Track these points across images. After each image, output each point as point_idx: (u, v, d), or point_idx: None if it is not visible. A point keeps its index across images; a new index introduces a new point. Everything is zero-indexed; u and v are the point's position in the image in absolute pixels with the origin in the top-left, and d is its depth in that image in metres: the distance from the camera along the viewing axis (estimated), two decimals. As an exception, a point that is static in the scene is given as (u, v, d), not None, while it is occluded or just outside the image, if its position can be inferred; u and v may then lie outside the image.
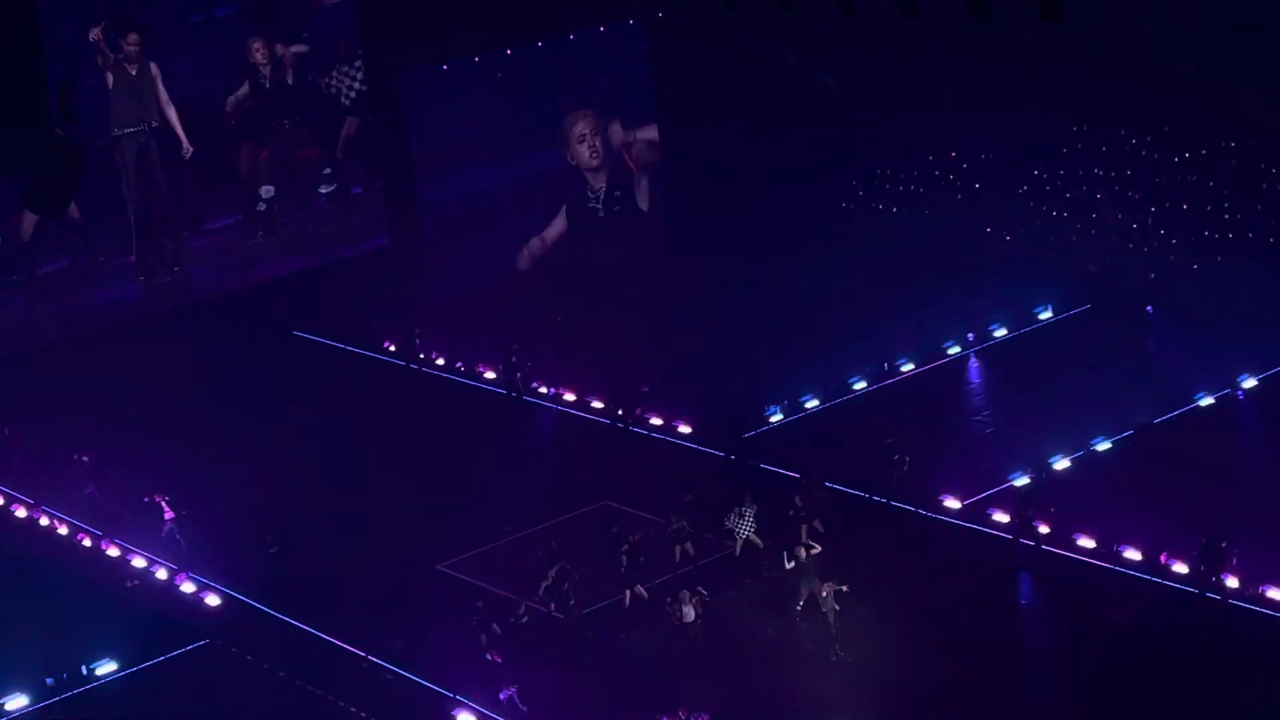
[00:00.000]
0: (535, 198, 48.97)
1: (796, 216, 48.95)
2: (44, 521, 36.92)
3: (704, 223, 49.02)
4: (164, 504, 34.94)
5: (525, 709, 28.45)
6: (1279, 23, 41.94)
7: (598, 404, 39.56)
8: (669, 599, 30.02)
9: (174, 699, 30.60)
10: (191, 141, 47.30)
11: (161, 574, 34.18)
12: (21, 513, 37.39)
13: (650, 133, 49.78)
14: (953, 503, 33.72)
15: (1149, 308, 41.82)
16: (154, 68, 46.44)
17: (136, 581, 34.25)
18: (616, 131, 49.38)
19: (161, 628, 32.40)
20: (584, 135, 48.52)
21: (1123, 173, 46.56)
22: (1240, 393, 37.44)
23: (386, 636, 30.75)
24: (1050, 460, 34.77)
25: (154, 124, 46.48)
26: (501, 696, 28.50)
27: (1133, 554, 31.26)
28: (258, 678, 30.91)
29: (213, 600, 33.19)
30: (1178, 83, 44.09)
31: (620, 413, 38.72)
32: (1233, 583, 29.97)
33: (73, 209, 44.28)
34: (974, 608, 30.57)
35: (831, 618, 29.42)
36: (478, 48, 46.85)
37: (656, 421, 38.52)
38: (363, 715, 29.41)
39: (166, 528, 34.88)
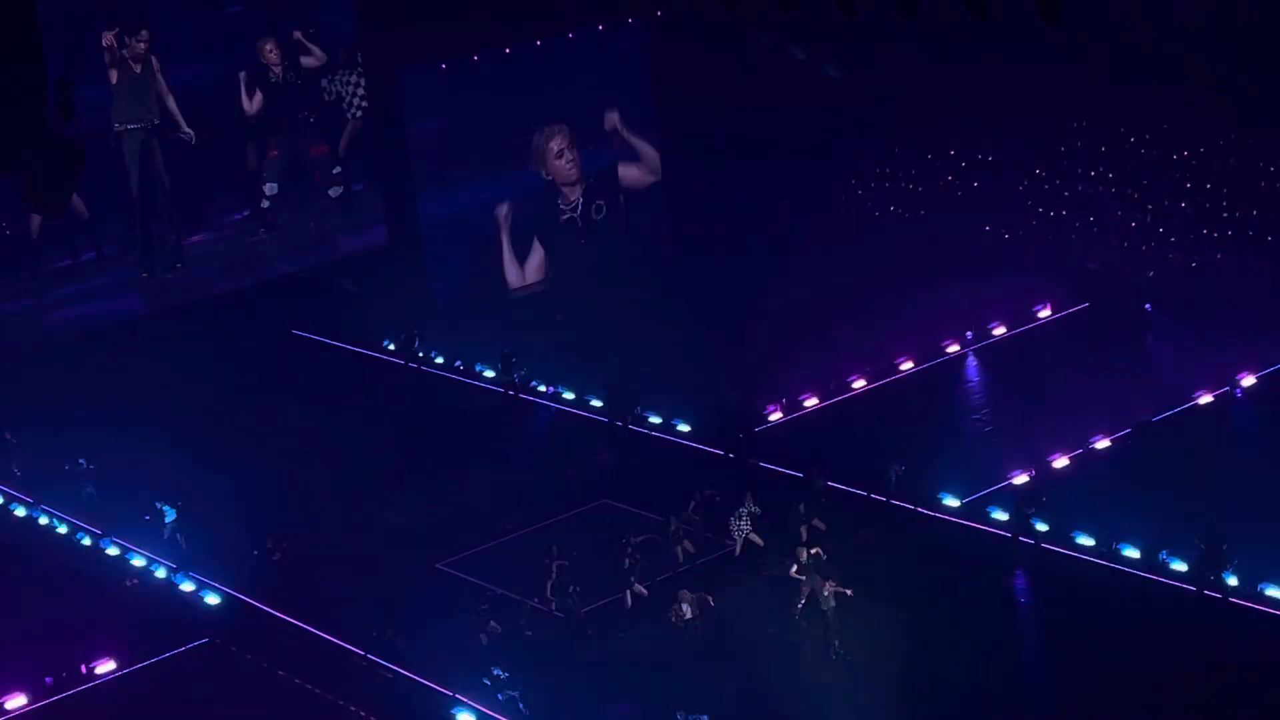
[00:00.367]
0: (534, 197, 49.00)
1: (794, 215, 48.92)
2: (43, 520, 36.93)
3: (702, 222, 48.99)
4: (163, 508, 35.02)
5: (526, 710, 28.49)
6: (1277, 21, 41.96)
7: (596, 402, 39.63)
8: (673, 605, 30.03)
9: (174, 698, 30.60)
10: (198, 139, 47.25)
11: (161, 573, 34.18)
12: (21, 512, 37.41)
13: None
14: (952, 501, 33.73)
15: (1147, 305, 41.85)
16: (155, 62, 46.44)
17: (135, 580, 34.24)
18: (613, 118, 49.28)
19: (161, 626, 32.39)
20: (562, 150, 48.31)
21: (1122, 171, 46.59)
22: (1239, 391, 37.43)
23: (388, 635, 30.75)
24: (1049, 458, 34.82)
25: (156, 121, 46.47)
26: (500, 698, 28.54)
27: (1131, 552, 31.29)
28: (257, 676, 30.92)
29: (212, 599, 33.19)
30: (1176, 81, 44.13)
31: (619, 411, 38.78)
32: (1231, 581, 29.99)
33: (80, 205, 44.33)
34: (973, 605, 30.56)
35: (831, 616, 29.44)
36: (477, 47, 46.82)
37: (656, 420, 38.54)
38: (362, 714, 29.41)
39: (167, 530, 34.90)
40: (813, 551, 30.74)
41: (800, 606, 30.12)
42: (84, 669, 31.13)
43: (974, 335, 41.39)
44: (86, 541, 35.76)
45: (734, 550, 32.66)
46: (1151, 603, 30.28)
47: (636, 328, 43.67)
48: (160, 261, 47.31)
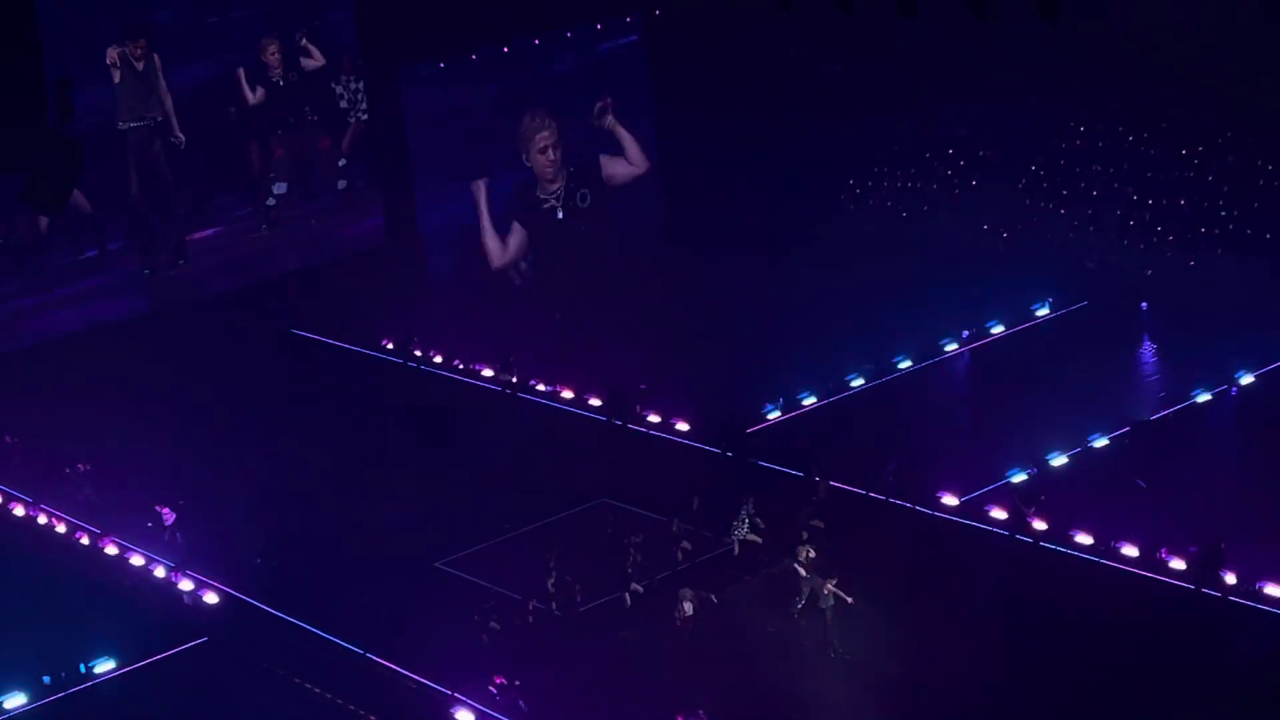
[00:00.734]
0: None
1: (793, 213, 48.93)
2: (42, 520, 36.92)
3: (701, 221, 49.01)
4: (164, 511, 35.00)
5: (526, 708, 28.48)
6: (1276, 19, 41.99)
7: (595, 401, 39.62)
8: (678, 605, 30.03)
9: (172, 697, 30.60)
10: (200, 137, 47.24)
11: (160, 572, 34.18)
12: (20, 511, 37.39)
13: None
14: (950, 499, 33.74)
15: (1143, 304, 41.87)
16: (157, 59, 46.42)
17: (260, 560, 34.25)
18: (606, 103, 49.24)
19: (160, 625, 32.39)
20: (546, 147, 48.28)
21: (1120, 169, 46.61)
22: (1234, 389, 37.41)
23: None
24: (1047, 457, 34.84)
25: (158, 119, 46.46)
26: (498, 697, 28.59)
27: (1130, 550, 31.30)
28: (256, 675, 30.93)
29: (211, 598, 33.18)
30: (1175, 79, 44.18)
31: (618, 410, 38.77)
32: (1230, 579, 30.01)
33: (83, 201, 44.32)
34: (971, 604, 30.56)
35: (830, 615, 29.45)
36: (476, 45, 46.84)
37: (654, 419, 38.54)
38: (361, 713, 29.42)
39: (167, 530, 34.87)
40: (810, 554, 30.72)
41: (800, 606, 30.12)
42: (82, 668, 31.13)
43: (969, 335, 41.36)
44: (85, 541, 35.76)
45: (733, 550, 32.63)
46: (1150, 602, 30.29)
47: (635, 326, 43.66)
48: (163, 258, 47.30)
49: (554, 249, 48.68)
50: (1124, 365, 39.21)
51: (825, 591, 29.46)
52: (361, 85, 48.79)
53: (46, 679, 30.87)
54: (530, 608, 30.76)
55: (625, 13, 49.21)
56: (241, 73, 48.39)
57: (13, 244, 45.75)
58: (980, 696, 28.13)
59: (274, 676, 30.74)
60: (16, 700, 30.47)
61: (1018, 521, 32.44)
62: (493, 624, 30.34)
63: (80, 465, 37.52)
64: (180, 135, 46.87)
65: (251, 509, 36.16)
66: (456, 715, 28.76)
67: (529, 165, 48.41)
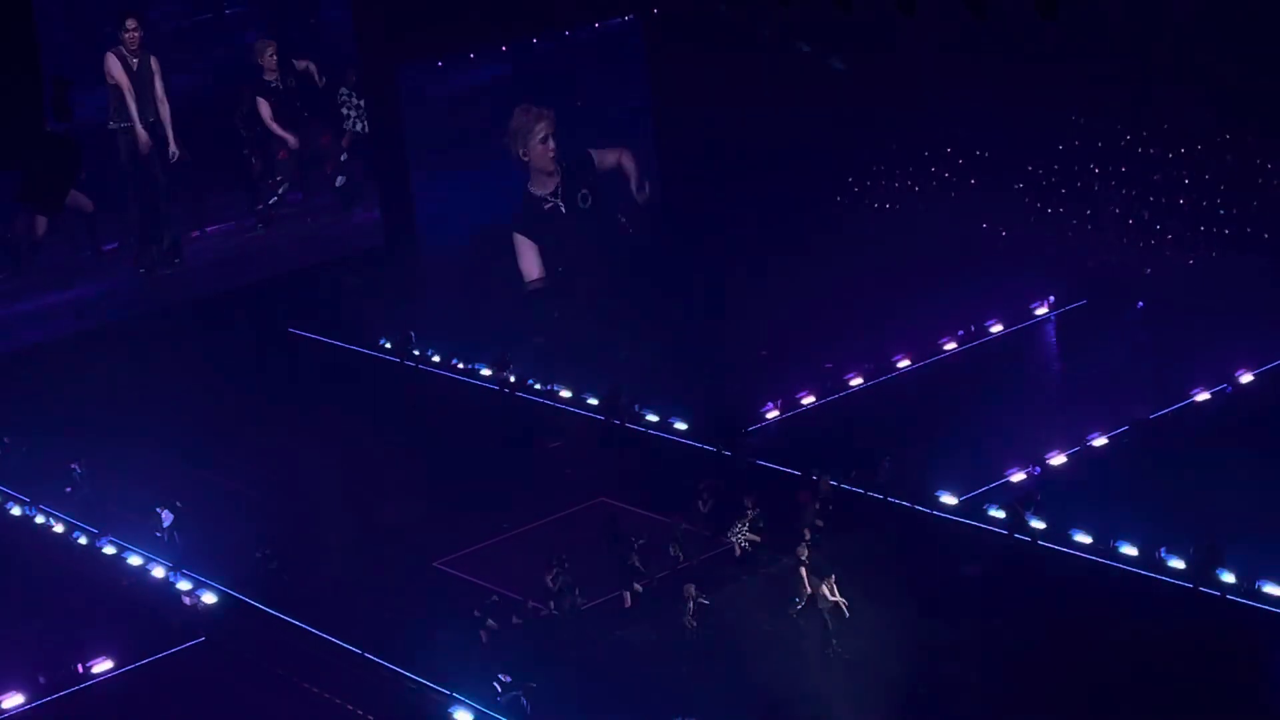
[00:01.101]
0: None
1: (791, 212, 48.91)
2: (39, 520, 36.88)
3: (699, 219, 48.98)
4: (162, 513, 34.99)
5: (527, 706, 28.49)
6: (1275, 17, 41.95)
7: (593, 400, 39.61)
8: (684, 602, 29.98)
9: (171, 697, 30.57)
10: (197, 140, 47.18)
11: (158, 572, 34.14)
12: (16, 511, 37.35)
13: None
14: (949, 498, 33.72)
15: (1139, 303, 41.87)
16: (154, 62, 46.31)
17: (129, 581, 34.25)
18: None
19: (158, 625, 32.35)
20: (546, 136, 47.96)
21: (1119, 168, 46.59)
22: (1229, 387, 37.34)
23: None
24: (1046, 456, 34.84)
25: (151, 119, 46.37)
26: (498, 700, 28.56)
27: (1128, 549, 31.29)
28: (255, 675, 30.90)
29: (209, 598, 33.15)
30: (1174, 78, 44.13)
31: (615, 409, 38.76)
32: (1228, 578, 30.00)
33: (85, 201, 44.27)
34: (970, 603, 30.55)
35: (829, 615, 29.42)
36: (474, 45, 46.80)
37: (652, 418, 38.52)
38: (360, 713, 29.39)
39: (166, 530, 34.85)
40: (810, 552, 30.70)
41: (799, 606, 30.08)
42: (80, 668, 31.09)
43: (965, 334, 41.36)
44: (83, 541, 35.73)
45: (734, 550, 32.61)
46: (1149, 601, 30.27)
47: (632, 324, 43.63)
48: (158, 258, 47.23)
49: (557, 249, 48.61)
50: (1123, 364, 39.15)
51: (824, 591, 29.42)
52: (362, 102, 48.80)
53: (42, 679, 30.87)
54: (528, 607, 30.73)
55: (623, 11, 49.16)
56: (245, 90, 48.45)
57: (11, 244, 45.72)
58: (979, 696, 28.10)
59: (272, 676, 30.71)
60: (15, 700, 30.44)
61: (1016, 521, 32.40)
62: (490, 623, 30.28)
63: (73, 465, 37.46)
64: (175, 150, 46.68)
65: (250, 508, 36.10)
66: (455, 715, 28.74)
67: (525, 159, 48.22)
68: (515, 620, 30.59)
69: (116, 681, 31.09)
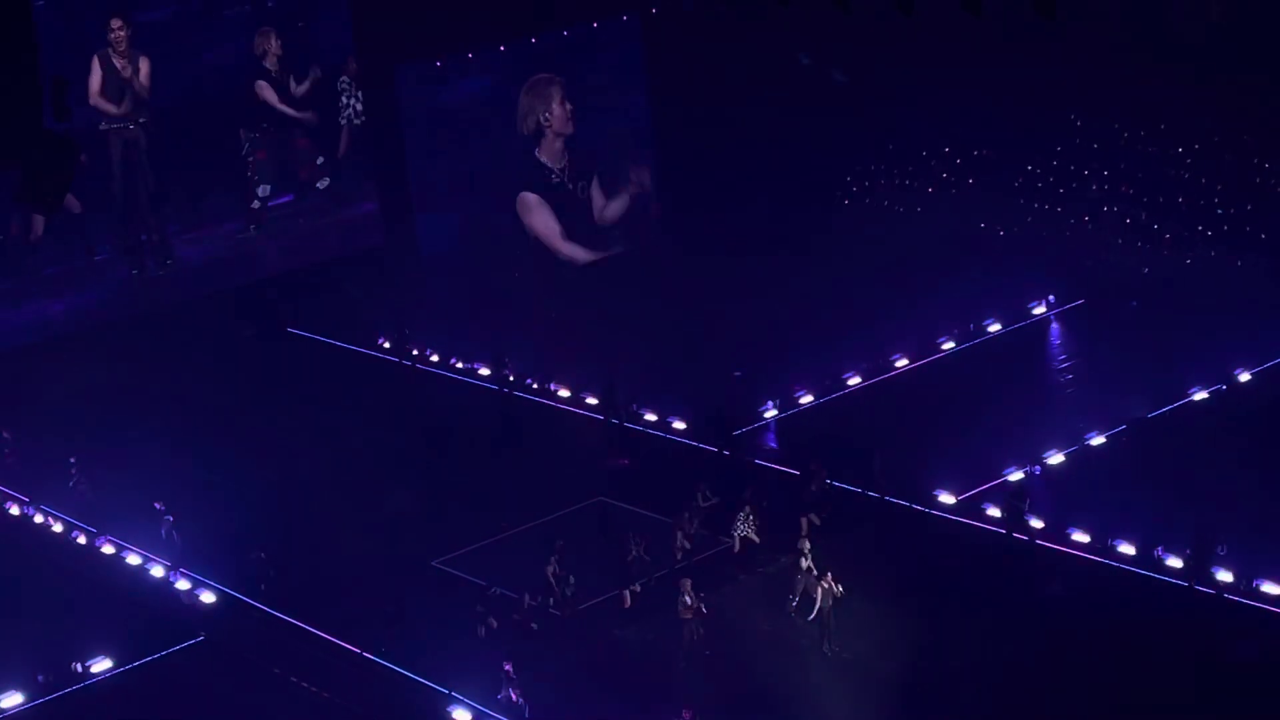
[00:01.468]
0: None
1: (789, 211, 48.87)
2: (38, 519, 36.89)
3: (697, 218, 48.97)
4: (161, 509, 35.01)
5: (525, 704, 28.49)
6: (1273, 16, 41.97)
7: (592, 400, 39.63)
8: (684, 600, 29.96)
9: (169, 696, 30.58)
10: (193, 137, 47.17)
11: (157, 571, 34.15)
12: (15, 510, 37.36)
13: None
14: (947, 498, 33.74)
15: (1133, 302, 41.93)
16: (145, 63, 46.24)
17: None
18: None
19: (156, 624, 32.36)
20: (563, 98, 47.88)
21: (1117, 167, 46.60)
22: (1222, 387, 37.35)
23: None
24: (1044, 455, 34.87)
25: (142, 120, 46.32)
26: (499, 697, 28.56)
27: (1126, 548, 31.31)
28: (253, 674, 30.91)
29: (208, 597, 33.16)
30: (1172, 77, 44.10)
31: (613, 408, 38.78)
32: (1225, 577, 30.03)
33: (74, 202, 44.29)
34: (968, 602, 30.56)
35: (826, 614, 29.43)
36: (472, 43, 46.80)
37: (651, 417, 38.54)
38: (358, 712, 29.39)
39: (164, 527, 34.86)
40: (808, 548, 30.71)
41: (795, 604, 30.09)
42: (79, 668, 31.10)
43: (961, 334, 41.38)
44: (81, 540, 35.74)
45: (732, 547, 32.64)
46: (1147, 599, 30.29)
47: (630, 323, 43.65)
48: (150, 259, 47.19)
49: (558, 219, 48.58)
50: (1121, 363, 39.17)
51: (823, 588, 29.43)
52: (360, 94, 48.81)
53: (40, 678, 30.87)
54: (525, 603, 30.73)
55: (622, 11, 49.15)
56: (260, 84, 48.49)
57: (7, 244, 45.77)
58: (977, 695, 28.13)
59: (270, 675, 30.72)
60: (14, 700, 30.45)
61: (1014, 520, 32.42)
62: (490, 620, 30.29)
63: (71, 460, 37.47)
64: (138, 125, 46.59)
65: (248, 508, 36.09)
66: (453, 714, 28.76)
67: (546, 124, 47.90)
68: (516, 617, 30.59)
69: (115, 681, 31.09)
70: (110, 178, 46.36)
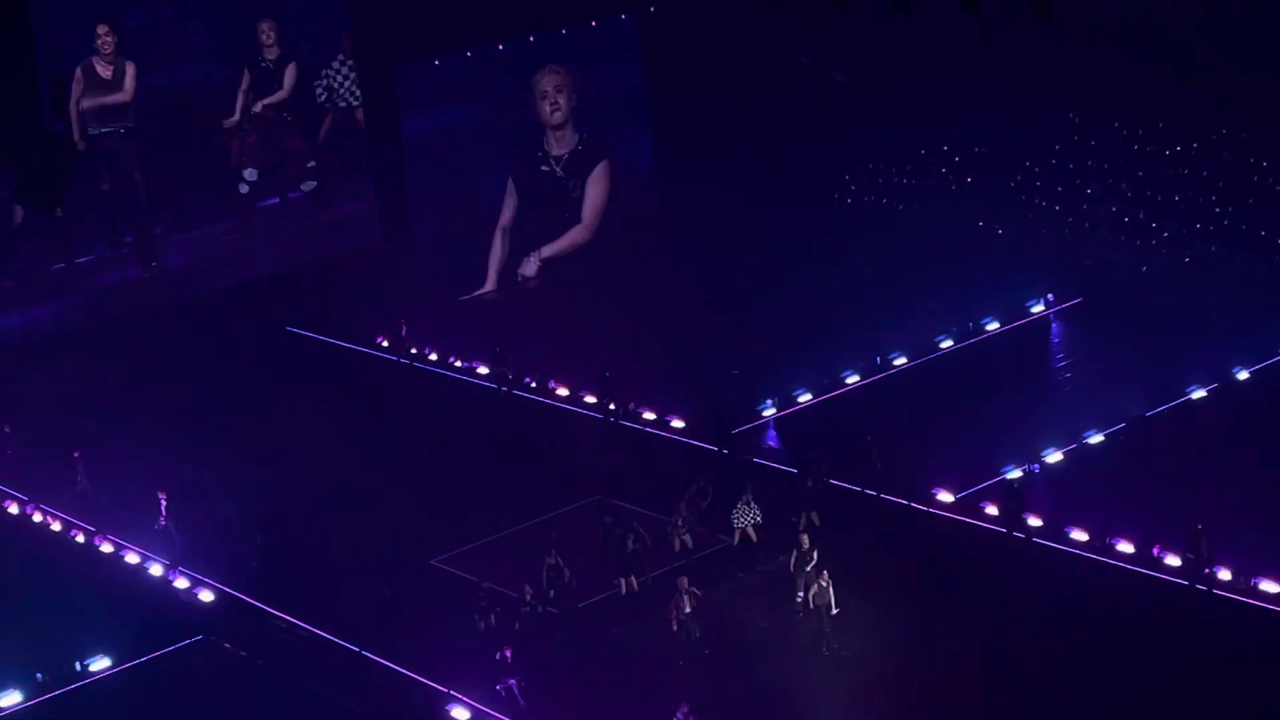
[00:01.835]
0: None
1: (788, 209, 48.91)
2: (37, 518, 36.90)
3: (696, 216, 48.99)
4: (161, 499, 35.00)
5: (523, 702, 28.50)
6: (1270, 15, 41.99)
7: (590, 398, 39.64)
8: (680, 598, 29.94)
9: (168, 694, 30.60)
10: (177, 137, 47.09)
11: (156, 570, 34.17)
12: (14, 508, 37.38)
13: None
14: (945, 496, 33.77)
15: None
16: (130, 67, 46.10)
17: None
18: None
19: (156, 623, 32.38)
20: (546, 92, 47.74)
21: (1115, 165, 46.62)
22: (1214, 387, 37.39)
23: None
24: (1043, 453, 34.89)
25: (130, 124, 46.22)
26: (498, 688, 28.59)
27: (1125, 546, 31.34)
28: (252, 673, 30.93)
29: (206, 595, 33.18)
30: (1170, 76, 44.13)
31: (612, 406, 38.78)
32: (1224, 575, 30.05)
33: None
34: (966, 601, 30.60)
35: (825, 611, 29.46)
36: (470, 43, 46.80)
37: (649, 416, 38.56)
38: (357, 710, 29.41)
39: (161, 523, 34.88)
40: (806, 545, 30.74)
41: (800, 600, 30.09)
42: (78, 666, 31.12)
43: (960, 332, 41.39)
44: (80, 539, 35.75)
45: (731, 543, 32.66)
46: (1145, 598, 30.32)
47: (629, 322, 43.67)
48: (136, 262, 47.08)
49: (534, 207, 48.42)
50: (1120, 361, 39.19)
51: (822, 584, 29.46)
52: (345, 70, 48.67)
53: (39, 676, 30.88)
54: (526, 595, 30.72)
55: (620, 9, 49.14)
56: (243, 85, 48.51)
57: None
58: (976, 693, 28.15)
59: (270, 674, 30.74)
60: (12, 698, 30.47)
61: (1012, 519, 32.45)
62: (490, 617, 30.29)
63: (75, 453, 37.47)
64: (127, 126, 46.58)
65: (246, 506, 36.09)
66: (452, 712, 28.78)
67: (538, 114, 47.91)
68: (520, 611, 30.62)
69: (114, 679, 31.11)
70: (98, 182, 46.22)
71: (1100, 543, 31.61)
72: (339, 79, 49.77)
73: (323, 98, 50.05)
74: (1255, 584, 29.83)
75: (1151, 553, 31.02)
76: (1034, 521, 32.34)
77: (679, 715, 27.04)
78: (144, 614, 32.81)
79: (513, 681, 28.59)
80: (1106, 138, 46.83)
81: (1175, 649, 28.75)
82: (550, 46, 48.15)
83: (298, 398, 41.48)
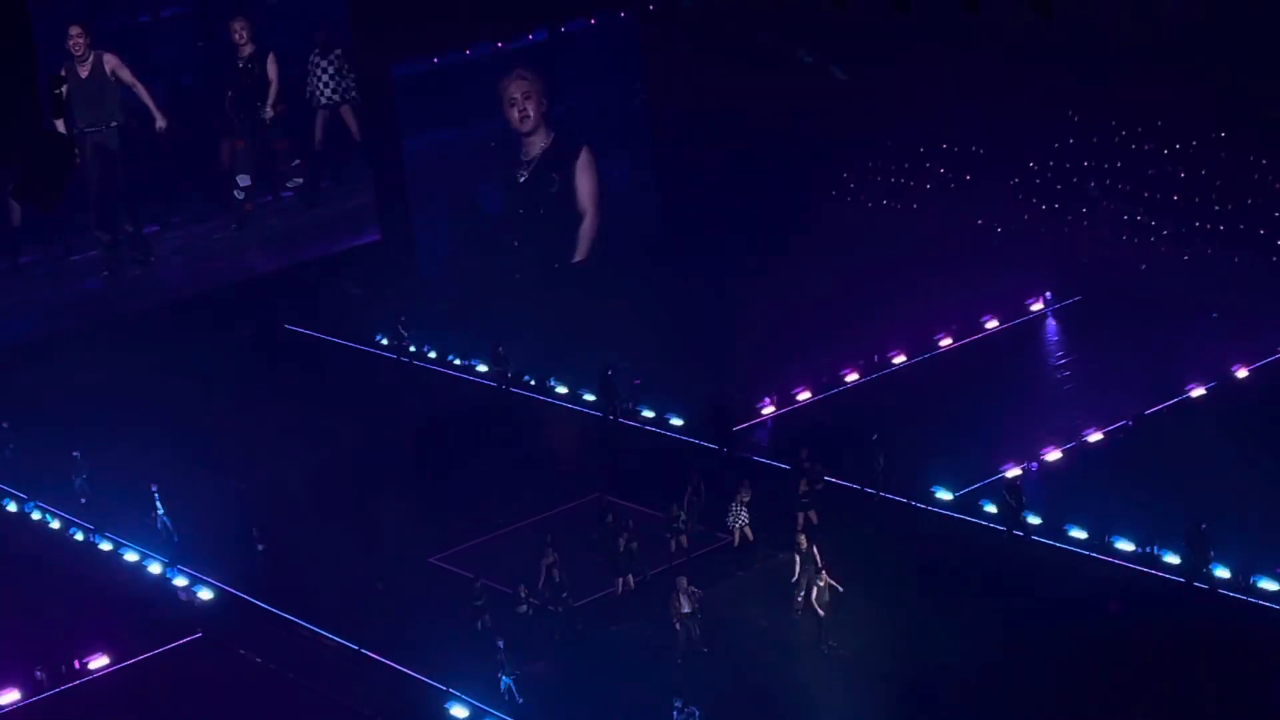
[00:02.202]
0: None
1: (787, 208, 48.93)
2: (36, 516, 36.92)
3: (695, 215, 49.01)
4: (154, 491, 34.98)
5: (520, 700, 28.53)
6: (1270, 14, 41.99)
7: (589, 396, 39.65)
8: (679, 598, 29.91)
9: (167, 693, 30.61)
10: (165, 138, 47.07)
11: (155, 568, 34.18)
12: (13, 507, 37.39)
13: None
14: (944, 494, 33.77)
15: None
16: (110, 59, 45.92)
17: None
18: None
19: (154, 621, 32.38)
20: (514, 99, 47.33)
21: (1114, 164, 46.63)
22: (1213, 385, 37.40)
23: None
24: (1041, 451, 34.91)
25: (114, 123, 46.11)
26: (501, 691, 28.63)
27: (1124, 545, 31.35)
28: (251, 671, 30.94)
29: (205, 594, 33.19)
30: (1169, 74, 44.13)
31: (611, 405, 38.81)
32: (1222, 573, 30.06)
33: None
34: (965, 599, 30.60)
35: (824, 610, 29.46)
36: (469, 41, 46.77)
37: (648, 414, 38.56)
38: (355, 709, 29.42)
39: (159, 520, 34.89)
40: (805, 543, 30.74)
41: (800, 599, 30.07)
42: (76, 664, 31.13)
43: (959, 331, 41.40)
44: (79, 537, 35.75)
45: (731, 542, 32.66)
46: (1144, 596, 30.33)
47: (628, 322, 43.64)
48: (126, 261, 46.97)
49: (501, 209, 48.45)
50: (1119, 359, 39.20)
51: (822, 584, 29.46)
52: (339, 67, 48.55)
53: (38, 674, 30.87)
54: (522, 594, 30.73)
55: (619, 8, 49.14)
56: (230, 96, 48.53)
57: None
58: (975, 692, 28.15)
59: (268, 672, 30.75)
60: (11, 696, 30.48)
61: (1009, 516, 32.46)
62: (487, 616, 30.31)
63: (74, 453, 37.47)
64: (164, 122, 46.46)
65: (246, 506, 36.11)
66: (451, 710, 28.79)
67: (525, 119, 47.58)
68: (522, 609, 30.62)
69: (113, 678, 31.11)
70: (85, 181, 46.12)
71: (1099, 541, 31.59)
72: (324, 77, 49.58)
73: (310, 98, 49.96)
74: (1254, 582, 29.82)
75: (1150, 550, 31.01)
76: (1033, 520, 32.34)
77: (678, 715, 27.07)
78: (143, 612, 32.80)
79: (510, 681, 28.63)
80: (1106, 136, 46.84)
81: (1174, 647, 28.73)
82: (550, 47, 48.14)
83: (295, 395, 41.48)
